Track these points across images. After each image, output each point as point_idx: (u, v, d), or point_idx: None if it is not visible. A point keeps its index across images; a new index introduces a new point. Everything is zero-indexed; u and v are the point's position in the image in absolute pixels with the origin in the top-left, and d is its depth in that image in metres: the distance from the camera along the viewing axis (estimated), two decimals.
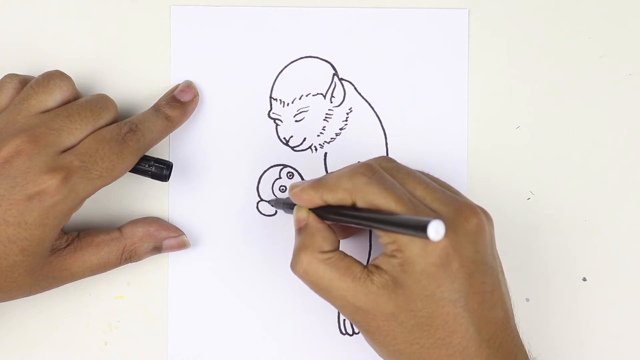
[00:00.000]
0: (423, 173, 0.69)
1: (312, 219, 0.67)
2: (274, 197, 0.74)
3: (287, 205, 0.71)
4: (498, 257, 0.67)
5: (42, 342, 0.75)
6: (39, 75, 0.70)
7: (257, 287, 0.75)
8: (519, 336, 0.67)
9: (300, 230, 0.68)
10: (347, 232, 0.73)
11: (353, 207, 0.65)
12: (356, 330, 0.75)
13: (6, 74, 0.71)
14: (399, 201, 0.64)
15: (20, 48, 0.74)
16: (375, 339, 0.66)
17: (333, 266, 0.66)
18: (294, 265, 0.67)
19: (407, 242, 0.64)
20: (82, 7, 0.75)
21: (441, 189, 0.66)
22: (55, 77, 0.69)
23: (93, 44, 0.75)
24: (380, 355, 0.67)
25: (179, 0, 0.75)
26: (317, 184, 0.67)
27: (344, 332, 0.75)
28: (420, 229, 0.58)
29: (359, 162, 0.68)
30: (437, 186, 0.67)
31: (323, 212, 0.67)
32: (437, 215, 0.64)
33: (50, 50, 0.74)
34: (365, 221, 0.64)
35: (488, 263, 0.65)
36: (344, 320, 0.75)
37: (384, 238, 0.65)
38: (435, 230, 0.57)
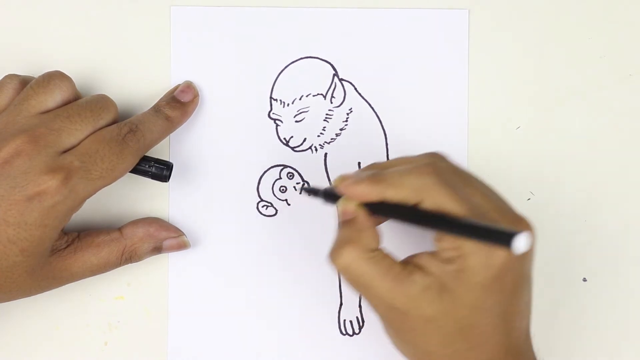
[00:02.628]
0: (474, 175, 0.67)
1: (363, 214, 0.65)
2: (307, 185, 0.71)
3: (328, 195, 0.68)
4: None
5: (42, 342, 0.75)
6: (39, 76, 0.70)
7: (257, 287, 0.75)
8: (532, 343, 0.67)
9: (346, 223, 0.65)
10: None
11: (412, 207, 0.63)
12: (356, 331, 0.75)
13: (6, 74, 0.71)
14: (464, 206, 0.62)
15: (20, 48, 0.74)
16: (405, 338, 0.64)
17: (376, 265, 0.63)
18: (335, 258, 0.64)
19: (472, 252, 0.62)
20: (82, 8, 0.75)
21: (497, 197, 0.65)
22: (55, 77, 0.69)
23: (93, 44, 0.75)
24: (402, 353, 0.66)
25: (179, 1, 0.75)
26: (377, 179, 0.64)
27: (344, 332, 0.75)
28: (504, 239, 0.57)
29: (428, 153, 0.65)
30: (493, 194, 0.65)
31: (375, 207, 0.64)
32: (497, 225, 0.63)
33: (50, 51, 0.74)
34: (435, 224, 0.62)
35: (530, 277, 0.65)
36: (344, 320, 0.75)
37: (444, 243, 0.63)
38: (523, 243, 0.56)
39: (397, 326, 0.64)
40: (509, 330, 0.64)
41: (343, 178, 0.65)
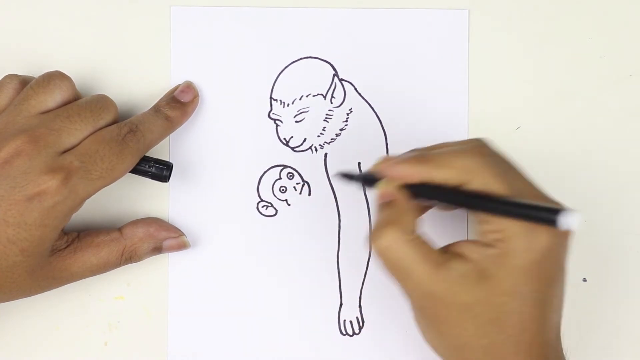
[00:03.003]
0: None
1: (403, 196, 0.64)
2: (341, 172, 0.69)
3: (367, 179, 0.66)
4: None
5: (42, 342, 0.75)
6: (39, 76, 0.70)
7: (257, 287, 0.75)
8: (561, 342, 0.67)
9: (385, 205, 0.64)
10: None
11: (457, 188, 0.63)
12: (356, 331, 0.75)
13: (6, 74, 0.71)
14: (509, 188, 0.62)
15: (21, 48, 0.74)
16: (440, 329, 0.64)
17: (416, 247, 0.63)
18: (376, 239, 0.63)
19: (515, 235, 0.62)
20: (82, 8, 0.75)
21: (535, 185, 0.65)
22: (55, 77, 0.69)
23: (93, 44, 0.75)
24: (433, 347, 0.66)
25: (179, 0, 0.75)
26: (423, 158, 0.64)
27: (344, 332, 0.75)
28: (551, 215, 0.58)
29: (473, 138, 0.66)
30: (532, 182, 0.65)
31: (417, 190, 0.64)
32: None
33: (50, 51, 0.74)
34: (481, 204, 0.62)
35: (565, 270, 0.65)
36: (344, 320, 0.75)
37: (488, 225, 0.63)
38: (571, 220, 0.58)
39: (431, 315, 0.64)
40: (545, 322, 0.64)
41: (386, 159, 0.65)
